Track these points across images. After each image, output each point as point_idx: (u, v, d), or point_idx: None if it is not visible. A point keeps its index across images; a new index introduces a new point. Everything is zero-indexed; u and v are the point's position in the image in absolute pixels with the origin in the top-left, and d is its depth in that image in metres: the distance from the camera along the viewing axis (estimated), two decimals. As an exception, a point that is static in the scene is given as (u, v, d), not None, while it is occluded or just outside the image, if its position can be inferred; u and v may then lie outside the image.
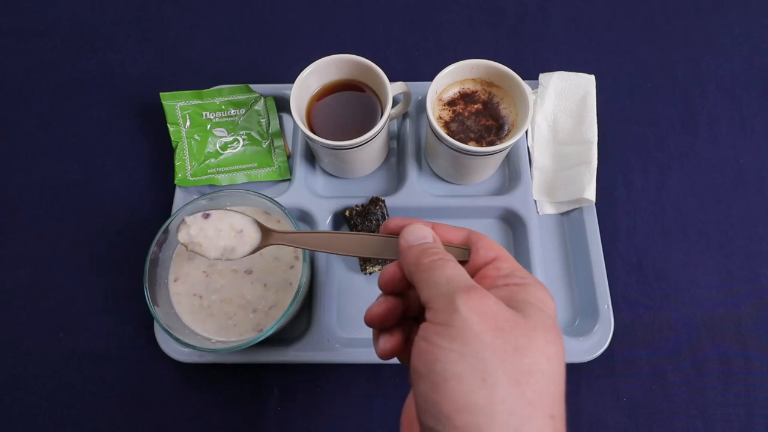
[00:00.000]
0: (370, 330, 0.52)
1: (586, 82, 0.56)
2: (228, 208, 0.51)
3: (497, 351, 0.24)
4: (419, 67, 0.65)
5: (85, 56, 0.66)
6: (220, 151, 0.58)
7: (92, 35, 0.68)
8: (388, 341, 0.32)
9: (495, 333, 0.25)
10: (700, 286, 0.53)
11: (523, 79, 0.49)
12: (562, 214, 0.55)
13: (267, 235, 0.39)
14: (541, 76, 0.58)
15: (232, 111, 0.59)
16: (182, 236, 0.39)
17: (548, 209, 0.55)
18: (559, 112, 0.57)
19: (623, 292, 0.52)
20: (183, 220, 0.40)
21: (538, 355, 0.25)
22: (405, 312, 0.33)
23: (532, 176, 0.56)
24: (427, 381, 0.25)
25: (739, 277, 0.53)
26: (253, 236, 0.39)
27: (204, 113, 0.58)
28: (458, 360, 0.24)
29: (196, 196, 0.53)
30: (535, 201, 0.55)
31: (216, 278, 0.48)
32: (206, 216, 0.40)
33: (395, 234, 0.33)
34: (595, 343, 0.48)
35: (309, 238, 0.36)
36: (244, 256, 0.39)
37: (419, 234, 0.32)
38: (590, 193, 0.52)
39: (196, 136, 0.58)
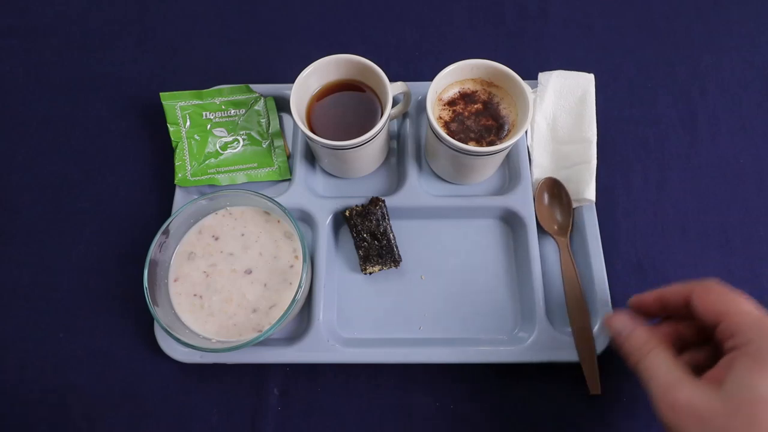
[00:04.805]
0: (370, 330, 0.52)
1: (586, 81, 0.56)
2: (228, 207, 0.51)
3: None
4: (419, 67, 0.65)
5: (85, 56, 0.66)
6: (220, 151, 0.58)
7: (92, 35, 0.68)
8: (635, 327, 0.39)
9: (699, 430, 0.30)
10: (700, 286, 0.53)
11: (523, 79, 0.49)
12: None
13: None
14: (541, 75, 0.58)
15: (232, 111, 0.59)
16: None
17: None
18: (559, 111, 0.57)
19: (623, 292, 0.52)
20: None
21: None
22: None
23: (531, 175, 0.56)
24: None
25: (739, 277, 0.53)
26: None
27: (204, 113, 0.58)
28: None
29: (196, 196, 0.53)
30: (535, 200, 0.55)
31: (216, 278, 0.48)
32: None
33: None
34: (595, 343, 0.48)
35: None
36: None
37: (616, 327, 0.40)
38: (590, 193, 0.52)
39: (196, 136, 0.58)
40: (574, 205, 0.54)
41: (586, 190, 0.52)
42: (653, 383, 0.35)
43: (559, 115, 0.57)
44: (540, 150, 0.56)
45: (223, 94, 0.59)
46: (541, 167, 0.56)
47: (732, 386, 0.31)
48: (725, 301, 0.35)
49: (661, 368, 0.35)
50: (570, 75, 0.57)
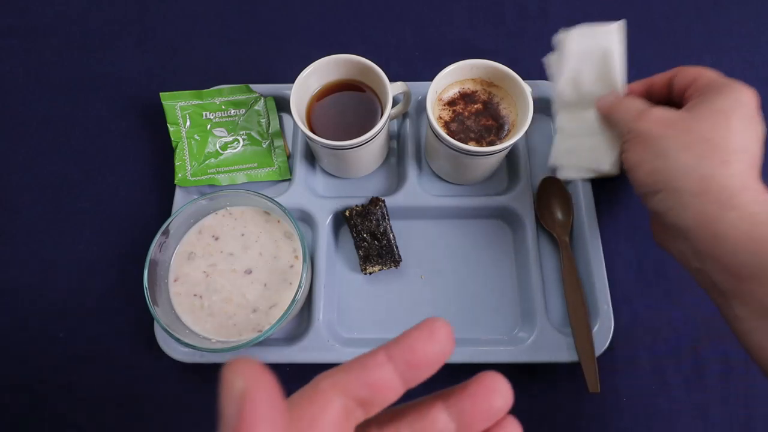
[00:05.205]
0: (370, 330, 0.52)
1: (610, 34, 0.48)
2: (228, 207, 0.51)
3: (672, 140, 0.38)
4: (419, 67, 0.65)
5: (85, 56, 0.66)
6: (220, 151, 0.58)
7: (92, 35, 0.68)
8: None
9: (667, 131, 0.39)
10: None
11: (523, 79, 0.49)
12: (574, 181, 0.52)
13: None
14: (560, 34, 0.49)
15: (232, 111, 0.59)
16: None
17: (569, 173, 0.49)
18: (581, 73, 0.48)
19: (623, 292, 0.52)
20: None
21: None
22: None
23: (554, 141, 0.50)
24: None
25: (739, 277, 0.53)
26: None
27: (204, 113, 0.58)
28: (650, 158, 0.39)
29: (196, 196, 0.53)
30: (555, 168, 0.50)
31: (216, 278, 0.48)
32: None
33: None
34: (595, 342, 0.48)
35: None
36: None
37: (604, 100, 0.46)
38: (614, 166, 0.46)
39: (196, 136, 0.58)
40: (595, 176, 0.49)
41: (609, 161, 0.46)
42: (631, 109, 0.42)
43: (582, 78, 0.48)
44: (564, 114, 0.49)
45: (223, 94, 0.59)
46: (563, 133, 0.49)
47: (695, 104, 0.39)
48: (698, 72, 0.42)
49: (637, 101, 0.43)
50: (594, 32, 0.49)
